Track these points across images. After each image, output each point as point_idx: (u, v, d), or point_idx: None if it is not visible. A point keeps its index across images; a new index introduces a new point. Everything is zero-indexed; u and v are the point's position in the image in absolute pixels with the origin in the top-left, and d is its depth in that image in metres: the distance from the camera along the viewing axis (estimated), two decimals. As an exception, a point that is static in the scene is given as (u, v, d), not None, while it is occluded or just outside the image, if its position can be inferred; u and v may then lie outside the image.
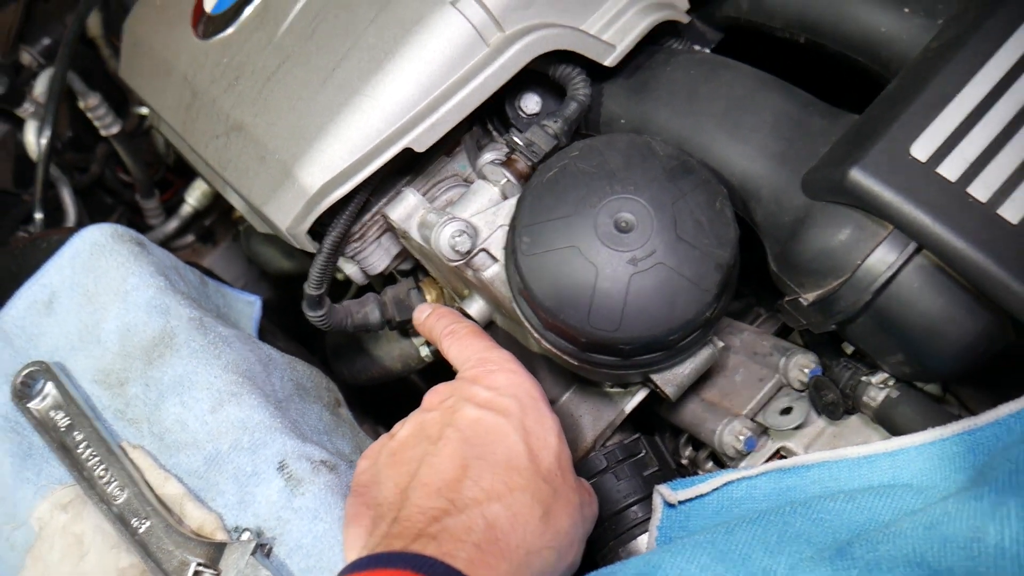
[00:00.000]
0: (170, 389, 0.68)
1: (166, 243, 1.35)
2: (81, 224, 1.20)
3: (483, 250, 0.66)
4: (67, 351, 0.74)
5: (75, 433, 0.69)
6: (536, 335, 0.64)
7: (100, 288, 0.75)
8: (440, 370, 0.88)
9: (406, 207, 0.70)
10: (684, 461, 0.75)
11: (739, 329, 0.75)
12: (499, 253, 0.66)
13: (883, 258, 0.57)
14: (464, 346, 0.65)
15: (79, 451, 0.68)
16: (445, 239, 0.65)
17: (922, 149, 0.56)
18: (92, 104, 1.19)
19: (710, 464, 0.73)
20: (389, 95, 0.66)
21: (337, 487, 0.63)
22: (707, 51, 0.80)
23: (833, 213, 0.59)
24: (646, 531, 0.68)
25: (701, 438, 0.70)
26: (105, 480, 0.66)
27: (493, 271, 0.67)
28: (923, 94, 0.57)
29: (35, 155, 1.13)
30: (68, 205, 1.20)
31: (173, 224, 1.35)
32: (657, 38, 0.76)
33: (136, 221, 1.37)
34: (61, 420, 0.69)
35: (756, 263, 0.67)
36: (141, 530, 0.63)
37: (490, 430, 0.57)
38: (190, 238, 1.41)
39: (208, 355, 0.70)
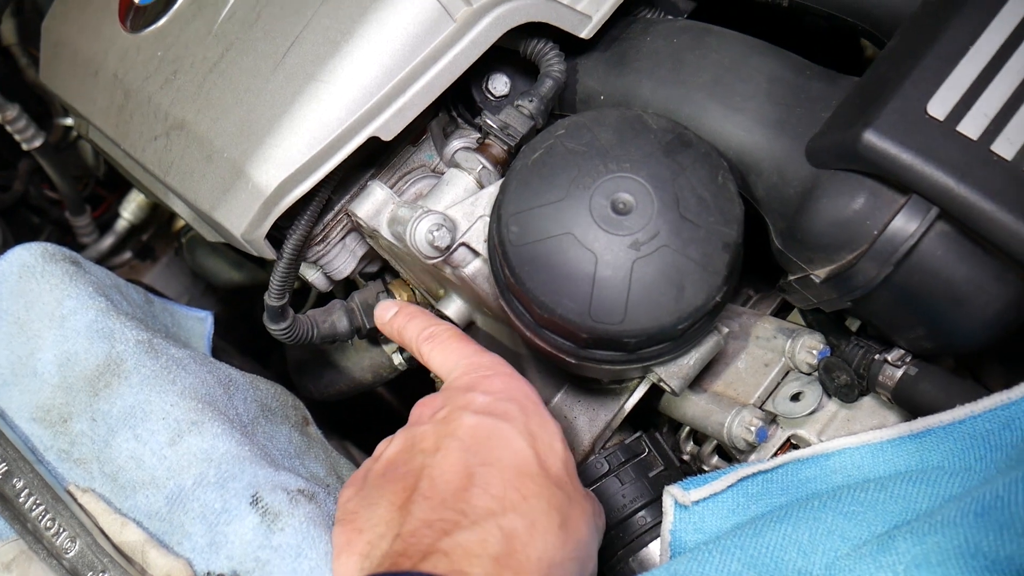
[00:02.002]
0: (121, 422, 0.61)
1: (101, 262, 1.26)
2: (6, 246, 1.11)
3: (463, 244, 0.61)
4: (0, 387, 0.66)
5: (14, 480, 0.61)
6: (528, 333, 0.58)
7: (33, 315, 0.67)
8: (413, 378, 0.82)
9: (374, 203, 0.64)
10: (686, 457, 0.71)
11: (736, 312, 0.70)
12: (481, 247, 0.60)
13: (904, 226, 0.52)
14: (449, 351, 0.59)
15: (20, 500, 0.60)
16: (422, 235, 0.59)
17: (939, 107, 0.51)
18: (11, 117, 1.09)
19: (716, 459, 0.68)
20: (349, 80, 0.60)
21: (319, 518, 0.56)
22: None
23: (845, 181, 0.55)
24: (657, 537, 0.63)
25: (708, 432, 0.65)
26: (53, 531, 0.58)
27: (475, 267, 0.62)
28: (934, 47, 0.53)
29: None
30: (-10, 227, 1.10)
31: (108, 241, 1.26)
32: (629, 9, 0.71)
33: (67, 240, 1.28)
34: (-3, 466, 0.61)
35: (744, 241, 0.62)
36: (98, 584, 0.56)
37: (493, 435, 0.51)
38: (127, 255, 1.32)
39: (162, 381, 0.62)
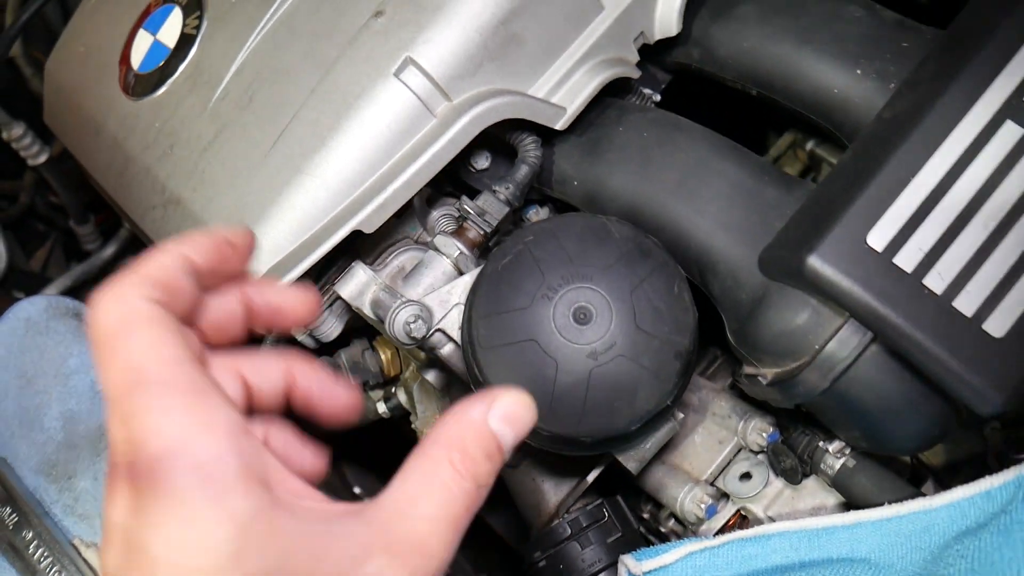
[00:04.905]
0: (121, 484, 0.66)
1: (106, 269, 1.31)
2: (12, 264, 1.16)
3: (439, 330, 0.65)
4: (8, 438, 0.71)
5: (24, 532, 0.66)
6: (496, 419, 0.63)
7: (39, 370, 0.72)
8: (400, 424, 0.87)
9: (357, 284, 0.68)
10: (645, 515, 0.76)
11: (697, 386, 0.75)
12: (455, 333, 0.65)
13: (842, 345, 0.57)
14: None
15: (30, 551, 0.66)
16: (400, 325, 0.63)
17: (878, 238, 0.55)
18: (16, 135, 1.13)
19: (671, 522, 0.73)
20: (334, 174, 0.64)
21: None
22: (657, 97, 0.78)
23: (791, 296, 0.59)
24: (612, 600, 0.68)
25: (663, 502, 0.70)
26: (59, 584, 0.64)
27: (449, 349, 0.66)
28: (877, 177, 0.56)
29: (-41, 195, 1.07)
30: (-2, 243, 1.14)
31: (111, 249, 1.30)
32: (607, 88, 0.74)
33: (72, 247, 1.32)
34: (9, 517, 0.67)
35: (710, 307, 0.66)
36: (100, 639, 0.61)
37: None
38: (131, 258, 1.36)
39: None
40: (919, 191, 0.56)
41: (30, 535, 0.66)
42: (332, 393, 0.45)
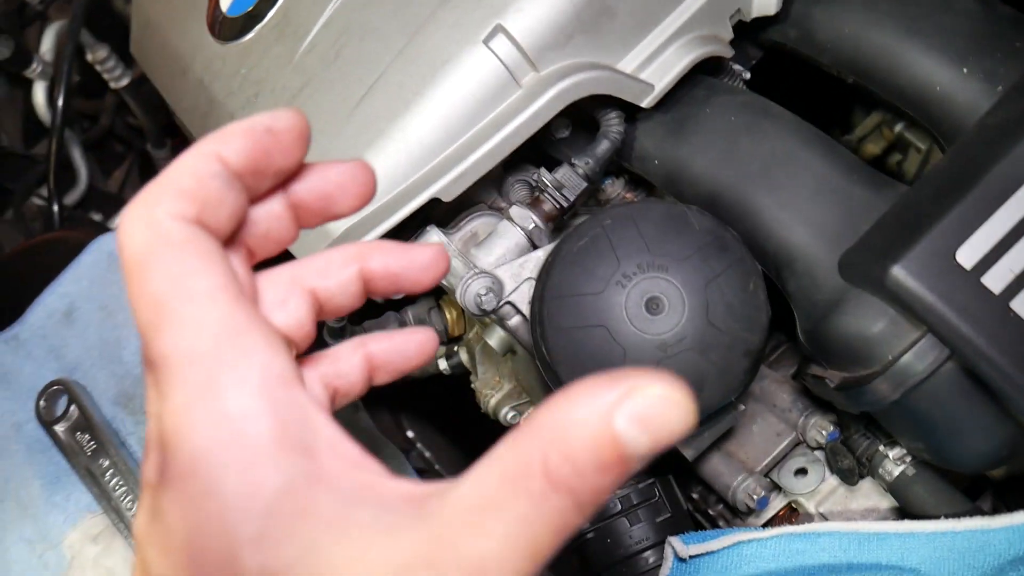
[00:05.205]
0: (193, 423, 0.69)
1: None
2: (92, 183, 1.19)
3: (508, 302, 0.66)
4: (88, 367, 0.74)
5: (101, 459, 0.70)
6: (558, 395, 0.64)
7: (119, 304, 0.75)
8: (460, 381, 0.88)
9: (430, 249, 0.68)
10: (695, 495, 0.77)
11: (760, 375, 0.74)
12: (524, 306, 0.65)
13: (917, 359, 0.56)
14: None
15: (105, 479, 0.69)
16: (471, 296, 0.64)
17: (968, 255, 0.54)
18: (101, 57, 1.15)
19: (720, 505, 0.74)
20: (416, 140, 0.64)
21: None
22: (747, 75, 0.76)
23: (869, 304, 0.58)
24: (656, 577, 0.70)
25: (715, 489, 0.71)
26: (133, 512, 0.67)
27: (517, 320, 0.66)
28: (973, 190, 0.54)
29: (45, 117, 1.10)
30: (79, 164, 1.17)
31: (186, 173, 1.33)
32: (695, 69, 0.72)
33: (147, 169, 1.35)
34: (87, 444, 0.70)
35: (779, 294, 0.65)
36: (167, 569, 0.65)
37: None
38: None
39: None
40: (1018, 209, 0.54)
41: (107, 463, 0.69)
42: (414, 262, 0.39)
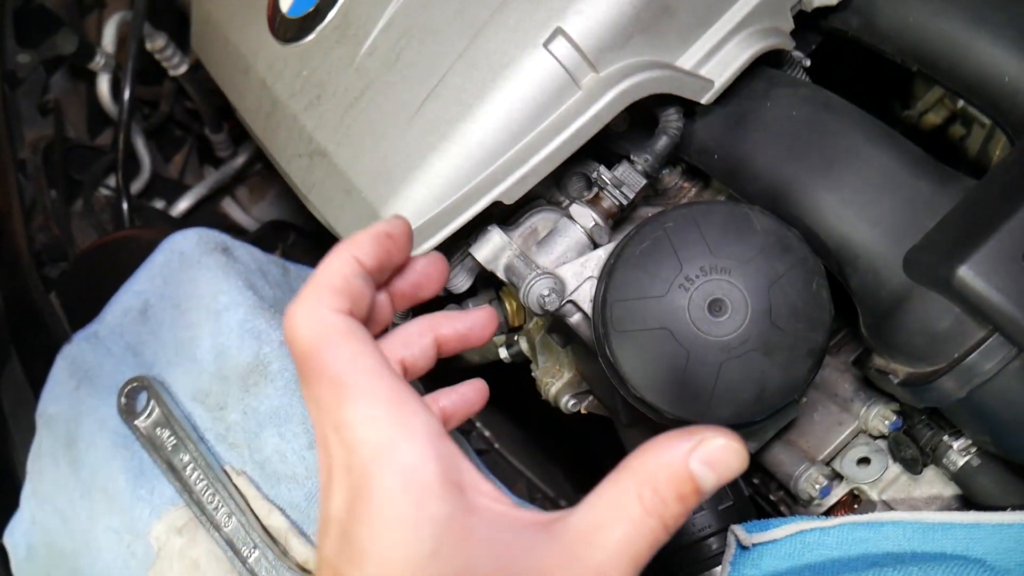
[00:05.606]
0: (268, 420, 0.72)
1: (238, 177, 1.36)
2: (155, 172, 1.22)
3: (570, 301, 0.67)
4: (164, 365, 0.77)
5: (181, 454, 0.73)
6: (621, 391, 0.65)
7: (191, 303, 0.77)
8: (520, 369, 0.90)
9: (492, 248, 0.70)
10: (755, 481, 0.78)
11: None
12: (586, 305, 0.66)
13: (984, 357, 0.56)
14: None
15: (186, 473, 0.73)
16: (534, 297, 0.65)
17: (1037, 255, 0.53)
18: (159, 46, 1.17)
19: (781, 492, 0.75)
20: (477, 144, 0.65)
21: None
22: (807, 62, 0.75)
23: (934, 302, 0.58)
24: (719, 565, 0.71)
25: (777, 478, 0.72)
26: (213, 505, 0.71)
27: (578, 318, 0.68)
28: (1044, 190, 0.54)
29: (109, 108, 1.12)
30: (142, 153, 1.20)
31: (243, 157, 1.35)
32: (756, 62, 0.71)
33: (205, 152, 1.38)
34: (168, 439, 0.74)
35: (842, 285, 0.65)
36: (250, 559, 0.68)
37: None
38: (259, 166, 1.41)
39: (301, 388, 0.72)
40: (1089, 209, 0.53)
41: (187, 458, 0.73)
42: (478, 329, 0.52)
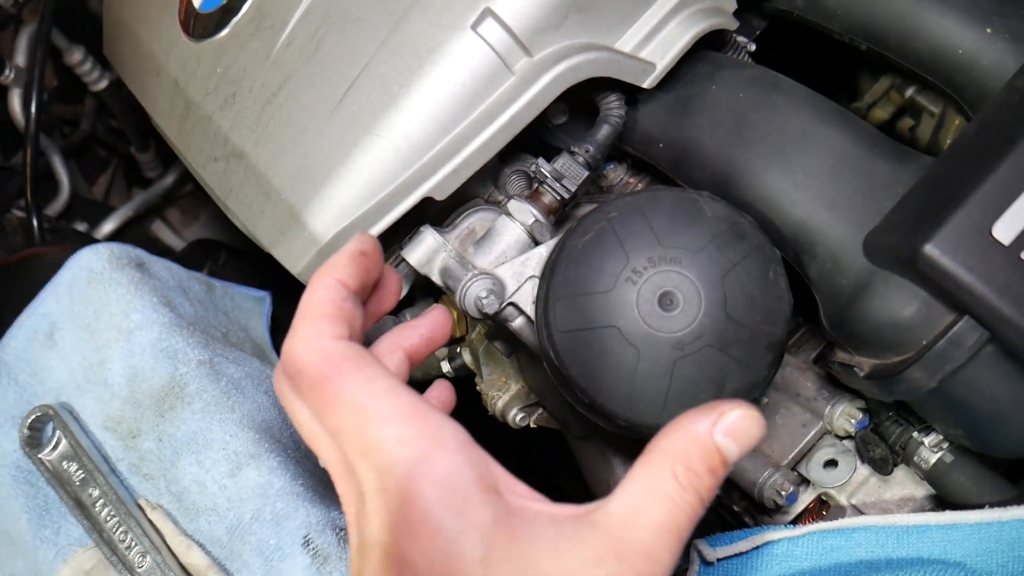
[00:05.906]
0: (185, 446, 0.65)
1: (167, 197, 1.29)
2: (75, 192, 1.15)
3: (511, 303, 0.62)
4: (73, 390, 0.71)
5: (91, 489, 0.66)
6: (570, 400, 0.60)
7: (102, 323, 0.71)
8: (464, 383, 0.85)
9: (425, 250, 0.64)
10: (719, 491, 0.73)
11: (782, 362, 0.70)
12: (528, 307, 0.61)
13: (954, 344, 0.52)
14: None
15: (96, 509, 0.66)
16: (471, 300, 0.60)
17: (1005, 230, 0.50)
18: (76, 60, 1.11)
19: (745, 502, 0.70)
20: (404, 136, 0.60)
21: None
22: (752, 47, 0.72)
23: (899, 286, 0.54)
24: (683, 582, 0.66)
25: (740, 487, 0.67)
26: (126, 544, 0.64)
27: (521, 322, 0.63)
28: (1008, 159, 0.50)
29: (21, 125, 1.06)
30: (60, 172, 1.13)
31: (172, 176, 1.29)
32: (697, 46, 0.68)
33: (133, 173, 1.31)
34: (75, 473, 0.67)
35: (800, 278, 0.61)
36: (168, 603, 0.62)
37: None
38: (191, 186, 1.35)
39: (222, 408, 0.66)
40: (1057, 178, 0.50)
41: (96, 492, 0.66)
42: (439, 328, 0.54)
